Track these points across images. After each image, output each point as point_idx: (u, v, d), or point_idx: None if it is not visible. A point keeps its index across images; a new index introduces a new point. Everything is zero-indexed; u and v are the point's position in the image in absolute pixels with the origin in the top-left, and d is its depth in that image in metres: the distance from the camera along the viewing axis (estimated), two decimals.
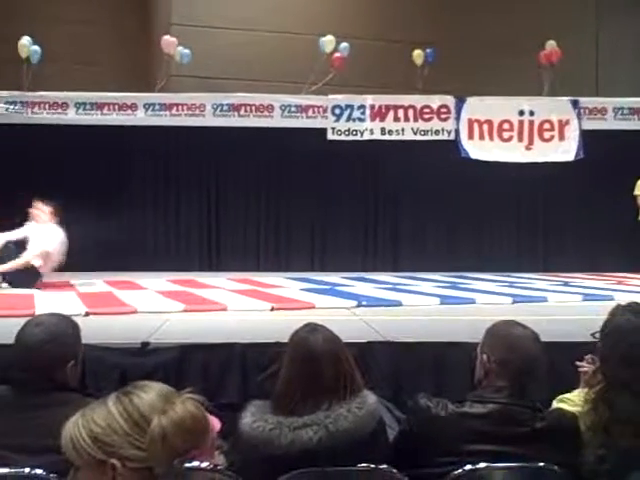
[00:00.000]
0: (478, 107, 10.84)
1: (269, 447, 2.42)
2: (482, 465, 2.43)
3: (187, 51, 11.01)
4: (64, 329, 2.65)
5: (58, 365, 2.54)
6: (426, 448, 2.59)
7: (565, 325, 5.08)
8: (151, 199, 11.36)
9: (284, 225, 11.45)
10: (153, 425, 1.57)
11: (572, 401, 2.80)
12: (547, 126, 10.86)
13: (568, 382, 3.10)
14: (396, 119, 10.74)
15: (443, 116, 10.82)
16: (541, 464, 2.46)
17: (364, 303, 6.38)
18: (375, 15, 12.97)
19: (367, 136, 10.68)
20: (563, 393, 2.90)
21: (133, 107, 10.42)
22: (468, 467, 2.42)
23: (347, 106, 10.70)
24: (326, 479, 2.40)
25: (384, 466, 2.42)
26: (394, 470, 2.42)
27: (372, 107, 10.73)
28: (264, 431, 2.44)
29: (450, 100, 10.83)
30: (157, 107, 10.46)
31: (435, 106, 10.81)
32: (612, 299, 6.52)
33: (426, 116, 10.80)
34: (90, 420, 1.59)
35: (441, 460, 2.53)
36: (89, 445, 1.57)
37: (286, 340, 2.77)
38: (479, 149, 10.77)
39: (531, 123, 10.85)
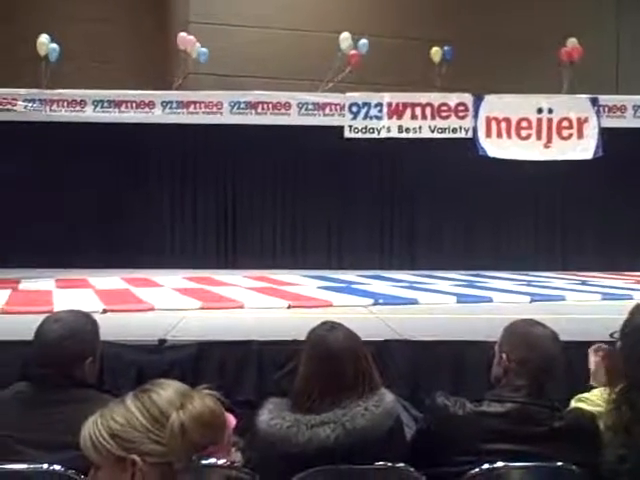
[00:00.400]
0: (496, 105, 10.78)
1: (286, 445, 2.42)
2: (500, 464, 2.41)
3: (204, 49, 11.03)
4: (82, 326, 2.65)
5: (76, 361, 2.55)
6: (443, 447, 2.58)
7: (584, 324, 5.04)
8: (168, 196, 11.40)
9: (301, 223, 11.45)
10: (172, 419, 1.58)
11: (591, 400, 2.77)
12: (566, 124, 10.79)
13: (586, 382, 3.07)
14: (413, 117, 10.71)
15: (461, 114, 10.77)
16: (559, 463, 2.44)
17: (381, 301, 6.38)
18: (392, 12, 12.93)
19: (384, 134, 10.66)
20: (581, 392, 2.87)
21: (150, 105, 10.46)
22: (486, 466, 2.40)
23: (364, 104, 10.68)
24: (343, 477, 2.39)
25: (401, 464, 2.41)
26: (411, 469, 2.41)
27: (389, 105, 10.70)
28: (281, 428, 2.44)
29: (468, 98, 10.78)
30: (174, 105, 10.49)
31: (453, 104, 10.77)
32: (631, 298, 6.48)
33: (444, 114, 10.76)
34: (109, 418, 1.60)
35: (458, 459, 2.51)
36: (108, 442, 1.57)
37: (303, 338, 2.76)
38: (497, 147, 10.72)
39: (550, 121, 10.78)
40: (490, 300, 6.72)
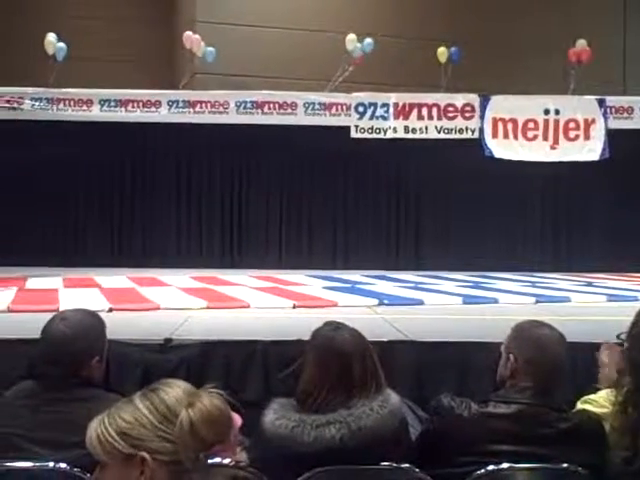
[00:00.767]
0: (503, 106, 10.77)
1: (291, 444, 2.42)
2: (505, 466, 2.41)
3: (211, 49, 11.04)
4: (89, 325, 2.65)
5: (83, 361, 2.55)
6: (449, 448, 2.58)
7: (589, 326, 5.03)
8: (174, 196, 11.42)
9: (306, 223, 11.46)
10: (181, 416, 1.58)
11: (597, 402, 2.77)
12: (572, 125, 10.77)
13: (592, 383, 3.07)
14: (420, 117, 10.71)
15: (467, 114, 10.76)
16: (565, 465, 2.44)
17: (386, 302, 6.37)
18: (399, 13, 12.93)
19: (390, 134, 10.65)
20: (587, 394, 2.86)
21: (157, 104, 10.47)
22: (491, 467, 2.41)
23: (371, 104, 10.68)
24: (348, 477, 2.40)
25: (406, 465, 2.41)
26: (416, 469, 2.42)
27: (396, 105, 10.69)
28: (287, 428, 2.44)
29: (474, 98, 10.77)
30: (181, 104, 10.50)
31: (459, 104, 10.76)
32: (637, 300, 6.47)
33: (450, 114, 10.75)
34: (117, 417, 1.61)
35: (464, 460, 2.51)
36: (116, 440, 1.58)
37: (308, 338, 2.76)
38: (503, 148, 10.71)
39: (556, 122, 10.76)
40: (496, 301, 6.71)
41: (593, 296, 7.21)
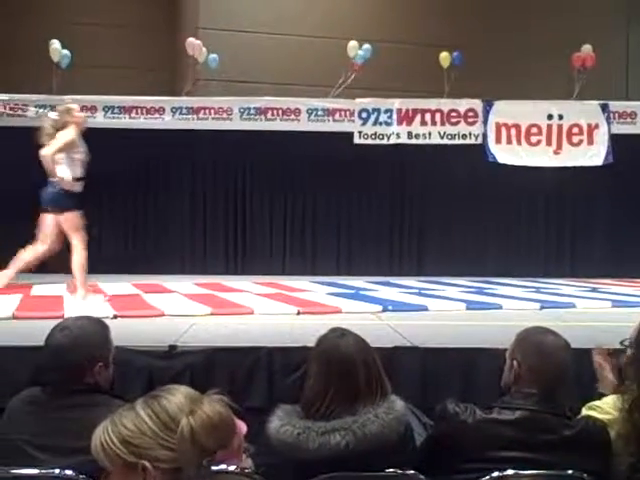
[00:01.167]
0: (506, 111, 10.77)
1: (296, 451, 2.42)
2: (510, 472, 2.42)
3: (214, 55, 11.06)
4: (91, 331, 2.68)
5: (86, 367, 2.57)
6: (454, 454, 2.58)
7: (594, 331, 5.03)
8: (178, 202, 11.41)
9: (310, 229, 11.45)
10: (182, 425, 1.59)
11: (601, 409, 2.76)
12: (576, 130, 10.76)
13: (597, 389, 3.07)
14: (423, 123, 10.71)
15: (470, 120, 10.76)
16: (569, 472, 2.44)
17: (390, 308, 6.37)
18: (402, 18, 12.94)
19: (394, 140, 10.65)
20: (592, 400, 2.86)
21: (160, 111, 10.49)
22: (496, 474, 2.41)
23: (374, 110, 10.68)
24: None
25: (411, 471, 2.42)
26: (421, 476, 2.42)
27: (399, 111, 10.70)
28: (292, 435, 2.44)
29: (478, 104, 10.77)
30: (184, 111, 10.52)
31: (462, 110, 10.76)
32: None
33: (453, 120, 10.75)
34: (119, 424, 1.61)
35: (469, 466, 2.51)
36: (119, 448, 1.58)
37: (312, 344, 2.76)
38: (507, 153, 10.70)
39: (560, 127, 10.76)
40: (500, 307, 6.70)
41: (598, 302, 7.19)
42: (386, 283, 9.41)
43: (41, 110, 10.24)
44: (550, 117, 10.75)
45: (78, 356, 2.57)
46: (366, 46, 11.11)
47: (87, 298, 6.77)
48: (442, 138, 10.70)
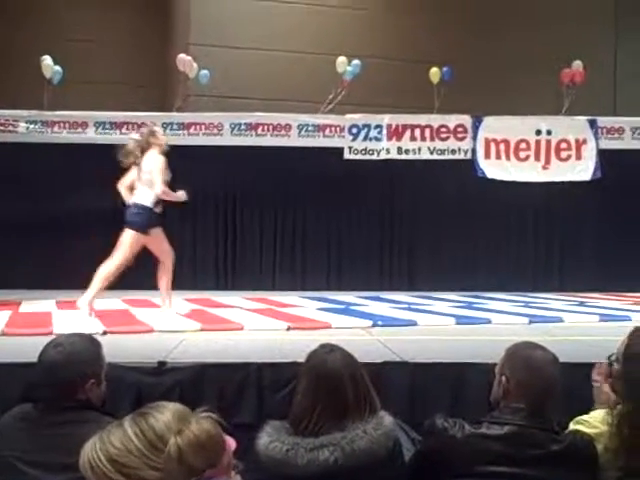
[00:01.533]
0: (495, 126, 10.85)
1: (285, 468, 2.43)
2: None
3: (205, 71, 11.11)
4: (83, 348, 2.70)
5: (78, 384, 2.59)
6: (442, 469, 2.59)
7: (582, 346, 5.05)
8: (168, 217, 11.37)
9: (300, 244, 11.45)
10: (170, 444, 1.59)
11: (589, 423, 2.78)
12: (564, 145, 10.85)
13: (585, 404, 3.08)
14: (413, 139, 10.77)
15: (460, 135, 10.83)
16: None
17: (380, 323, 6.38)
18: (392, 34, 13.04)
19: (384, 155, 10.72)
20: (580, 415, 2.88)
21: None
22: None
23: (364, 125, 10.75)
24: None
25: None
26: None
27: (389, 126, 10.76)
28: (280, 452, 2.45)
29: (467, 119, 10.85)
30: (175, 127, 10.55)
31: (452, 125, 10.84)
32: (629, 319, 6.50)
33: (443, 135, 10.82)
34: (107, 442, 1.61)
35: None
36: (106, 466, 1.58)
37: (302, 360, 2.77)
38: (496, 168, 10.78)
39: (548, 142, 10.84)
40: (489, 322, 6.72)
41: (585, 316, 7.22)
42: (376, 298, 9.42)
43: (32, 126, 10.26)
44: (539, 132, 10.83)
45: (71, 373, 2.58)
46: (355, 62, 11.19)
47: (170, 310, 7.15)
48: (432, 153, 10.77)
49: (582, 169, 10.77)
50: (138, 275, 10.75)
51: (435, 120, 10.87)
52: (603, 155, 10.69)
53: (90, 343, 2.75)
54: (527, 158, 10.84)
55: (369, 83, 11.34)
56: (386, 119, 10.81)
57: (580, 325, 6.66)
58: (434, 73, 11.27)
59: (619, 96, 13.32)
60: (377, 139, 10.73)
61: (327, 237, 11.38)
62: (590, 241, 11.26)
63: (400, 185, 11.31)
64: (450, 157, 10.76)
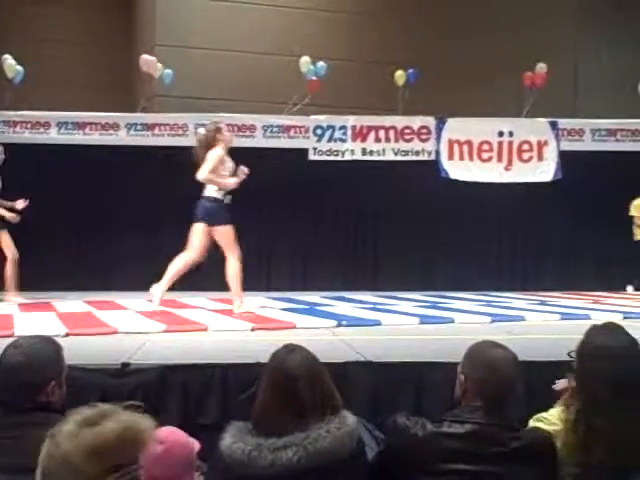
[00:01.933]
0: (458, 128, 10.95)
1: (248, 468, 2.44)
2: None
3: (169, 71, 11.05)
4: (43, 350, 2.68)
5: (38, 386, 2.57)
6: (404, 467, 2.62)
7: (543, 344, 5.13)
8: (132, 218, 11.30)
9: (265, 245, 11.42)
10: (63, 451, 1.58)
11: (548, 420, 2.82)
12: (526, 147, 10.99)
13: (545, 401, 3.13)
14: (377, 140, 10.84)
15: (424, 137, 10.92)
16: None
17: (344, 323, 6.41)
18: (356, 37, 13.11)
19: (348, 156, 10.76)
20: (540, 412, 2.92)
21: (115, 127, 10.44)
22: None
23: (329, 126, 10.78)
24: None
25: None
26: None
27: (353, 128, 10.82)
28: (243, 452, 2.46)
29: (431, 121, 10.94)
30: (139, 127, 10.48)
31: (416, 127, 10.92)
32: (589, 318, 6.59)
33: (407, 137, 10.90)
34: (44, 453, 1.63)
35: (419, 479, 2.55)
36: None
37: (266, 360, 2.79)
38: (459, 169, 10.88)
39: (510, 144, 10.97)
40: (452, 321, 6.78)
41: (547, 315, 7.32)
42: (341, 298, 9.45)
43: None
44: (501, 134, 10.96)
45: (32, 374, 2.57)
46: (320, 63, 11.21)
47: (242, 307, 7.24)
48: (396, 154, 10.84)
49: (543, 170, 10.91)
50: (103, 277, 10.75)
51: (399, 121, 10.95)
52: (564, 156, 10.84)
53: (51, 345, 2.73)
54: (490, 159, 10.96)
55: (334, 84, 11.37)
56: (351, 120, 10.86)
57: (541, 323, 6.76)
58: (399, 76, 11.34)
59: (579, 98, 13.52)
60: (342, 140, 10.78)
61: (292, 238, 11.38)
62: (552, 241, 11.41)
63: (364, 186, 11.33)
64: (414, 158, 10.85)
